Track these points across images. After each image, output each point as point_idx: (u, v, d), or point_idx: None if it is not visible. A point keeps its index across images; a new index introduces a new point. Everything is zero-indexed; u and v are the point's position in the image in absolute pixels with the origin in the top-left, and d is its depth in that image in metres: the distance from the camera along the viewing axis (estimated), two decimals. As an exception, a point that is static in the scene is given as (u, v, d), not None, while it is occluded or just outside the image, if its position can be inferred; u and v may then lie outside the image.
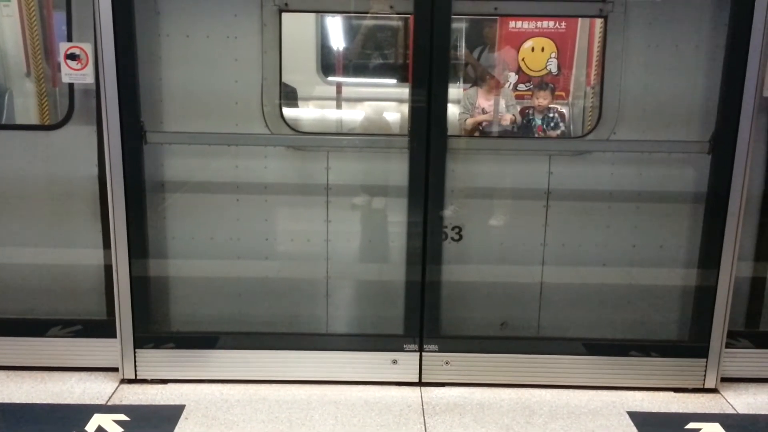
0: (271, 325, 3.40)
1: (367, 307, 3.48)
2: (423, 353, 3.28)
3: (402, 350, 3.28)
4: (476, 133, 4.77)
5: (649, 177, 3.29)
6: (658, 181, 3.29)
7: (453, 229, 3.31)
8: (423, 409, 3.10)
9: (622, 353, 3.29)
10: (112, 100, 2.99)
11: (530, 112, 4.97)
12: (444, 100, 3.12)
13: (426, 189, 3.17)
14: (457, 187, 3.27)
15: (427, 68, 3.04)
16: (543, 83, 5.12)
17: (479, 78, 4.79)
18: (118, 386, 3.24)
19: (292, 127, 3.26)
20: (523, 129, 4.88)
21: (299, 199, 3.37)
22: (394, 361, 3.28)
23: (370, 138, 3.55)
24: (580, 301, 3.43)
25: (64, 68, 3.11)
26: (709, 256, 3.19)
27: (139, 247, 3.18)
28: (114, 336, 3.23)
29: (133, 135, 3.06)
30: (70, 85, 3.18)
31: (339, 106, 4.98)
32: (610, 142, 3.23)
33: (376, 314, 3.44)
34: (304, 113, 4.64)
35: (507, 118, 4.70)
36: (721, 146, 3.09)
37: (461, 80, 4.73)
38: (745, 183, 3.08)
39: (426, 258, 3.23)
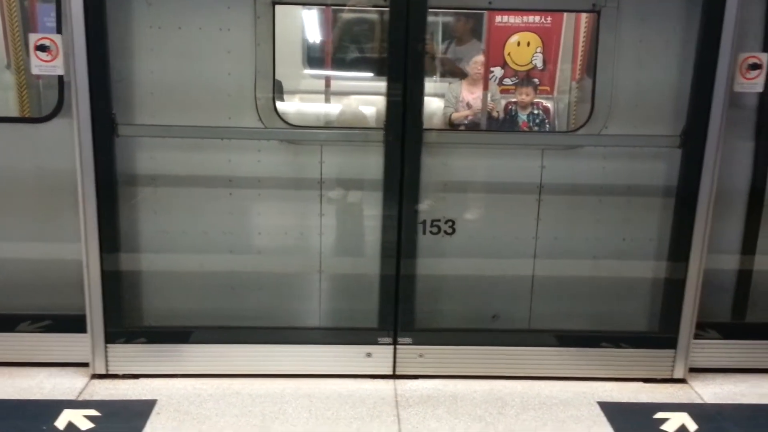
0: (249, 320, 3.38)
1: (344, 300, 3.48)
2: (397, 346, 3.30)
3: (376, 343, 3.29)
4: (462, 127, 4.81)
5: (637, 171, 3.32)
6: (648, 174, 3.33)
7: (446, 222, 3.33)
8: (397, 401, 3.11)
9: (593, 344, 3.34)
10: (83, 92, 2.95)
11: (513, 108, 5.00)
12: (420, 94, 3.11)
13: (401, 182, 3.17)
14: (442, 181, 3.28)
15: (402, 62, 3.04)
16: (526, 79, 5.16)
17: (448, 72, 4.83)
18: (89, 381, 3.21)
19: (284, 119, 3.23)
20: (507, 124, 4.91)
21: (288, 193, 3.35)
22: (369, 354, 3.29)
23: (349, 132, 3.54)
24: (568, 293, 3.48)
25: (33, 60, 3.05)
26: (680, 248, 3.24)
27: (111, 241, 3.15)
28: (85, 331, 3.20)
29: (105, 128, 3.02)
30: (60, 78, 3.12)
31: (326, 100, 4.96)
32: (589, 136, 3.26)
33: (351, 308, 3.44)
34: (291, 106, 4.61)
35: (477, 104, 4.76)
36: (691, 140, 3.14)
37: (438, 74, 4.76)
38: (715, 176, 3.13)
39: (401, 252, 3.24)
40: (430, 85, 4.50)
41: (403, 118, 3.10)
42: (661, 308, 3.36)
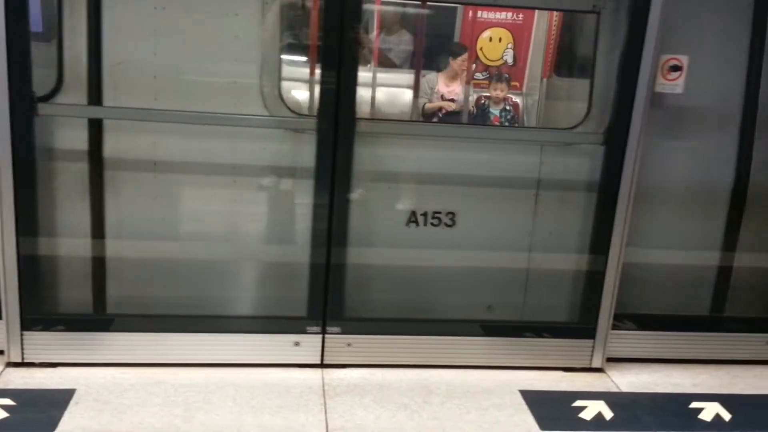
0: (174, 308, 3.31)
1: (272, 288, 3.46)
2: (326, 335, 3.29)
3: (305, 332, 3.28)
4: (434, 119, 4.86)
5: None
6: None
7: (447, 215, 3.37)
8: (324, 390, 3.11)
9: (517, 334, 3.42)
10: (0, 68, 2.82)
11: (485, 102, 5.08)
12: (354, 82, 3.10)
13: (333, 172, 3.15)
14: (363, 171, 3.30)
15: (336, 49, 3.02)
16: (499, 75, 5.24)
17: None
18: (4, 370, 3.08)
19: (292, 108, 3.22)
20: (478, 118, 4.99)
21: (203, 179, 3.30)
22: (297, 343, 3.28)
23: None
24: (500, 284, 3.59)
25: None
26: (600, 242, 3.34)
27: (29, 224, 3.03)
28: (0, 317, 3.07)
29: (23, 106, 2.89)
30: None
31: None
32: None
33: (280, 296, 3.42)
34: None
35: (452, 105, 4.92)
36: (613, 138, 3.23)
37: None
38: (635, 173, 3.23)
39: (331, 240, 3.23)
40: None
41: (336, 106, 3.08)
42: (581, 299, 3.47)
